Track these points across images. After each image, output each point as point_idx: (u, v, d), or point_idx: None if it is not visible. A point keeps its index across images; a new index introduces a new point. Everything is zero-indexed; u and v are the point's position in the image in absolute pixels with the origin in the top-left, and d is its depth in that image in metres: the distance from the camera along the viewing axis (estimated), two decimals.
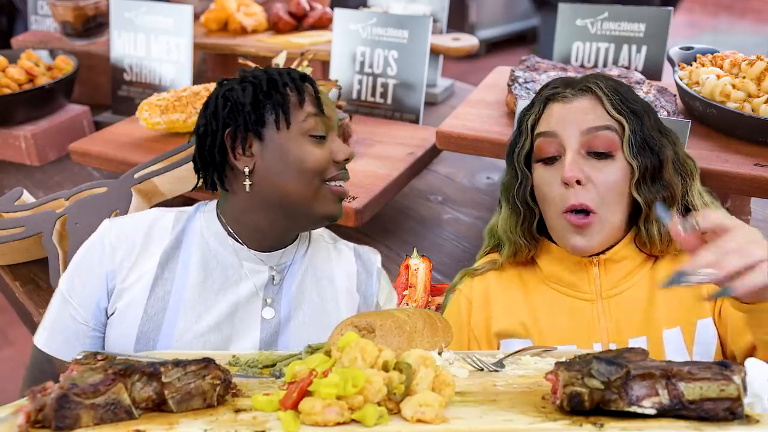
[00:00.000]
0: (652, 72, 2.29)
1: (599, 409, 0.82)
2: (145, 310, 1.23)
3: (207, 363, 0.86)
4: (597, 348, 1.27)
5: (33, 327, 1.74)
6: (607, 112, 1.26)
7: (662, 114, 1.79)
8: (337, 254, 1.39)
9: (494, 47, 6.16)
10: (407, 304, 1.72)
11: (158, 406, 0.84)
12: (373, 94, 2.48)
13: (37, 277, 1.93)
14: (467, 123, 2.05)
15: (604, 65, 2.35)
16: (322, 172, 1.25)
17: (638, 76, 2.05)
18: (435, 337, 1.08)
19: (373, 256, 1.42)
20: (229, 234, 1.30)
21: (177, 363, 0.85)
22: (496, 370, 1.03)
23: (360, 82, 2.49)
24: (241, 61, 2.46)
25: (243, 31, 2.98)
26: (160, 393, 0.83)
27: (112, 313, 1.25)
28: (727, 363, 0.82)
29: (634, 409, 0.81)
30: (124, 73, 2.79)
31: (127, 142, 2.34)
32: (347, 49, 2.51)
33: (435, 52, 2.75)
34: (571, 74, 2.04)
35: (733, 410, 0.80)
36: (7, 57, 2.70)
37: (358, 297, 1.35)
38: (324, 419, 0.78)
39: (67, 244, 1.78)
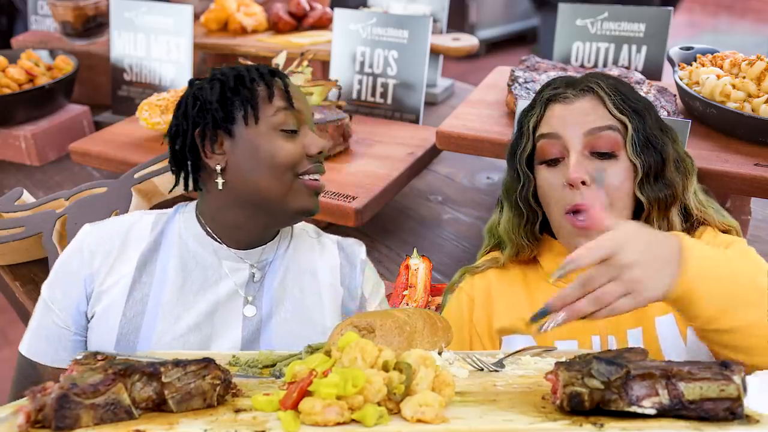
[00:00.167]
0: (652, 72, 2.29)
1: (599, 409, 0.82)
2: (124, 313, 1.23)
3: (207, 363, 0.86)
4: (595, 341, 1.27)
5: None
6: (609, 112, 1.26)
7: (662, 114, 1.79)
8: (321, 248, 1.38)
9: (494, 47, 6.16)
10: (407, 304, 1.72)
11: (158, 406, 0.84)
12: (373, 94, 2.48)
13: (37, 277, 1.93)
14: (467, 123, 2.05)
15: (604, 65, 2.35)
16: (294, 166, 1.24)
17: (638, 76, 2.05)
18: (435, 337, 1.08)
19: (357, 248, 1.41)
20: (208, 233, 1.30)
21: (177, 363, 0.85)
22: (496, 370, 1.03)
23: (360, 82, 2.49)
24: (241, 60, 2.46)
25: (243, 31, 2.98)
26: (160, 393, 0.83)
27: (92, 317, 1.25)
28: (727, 363, 0.82)
29: (634, 409, 0.81)
30: (124, 73, 2.79)
31: (127, 142, 2.34)
32: (347, 49, 2.51)
33: (435, 52, 2.76)
34: (571, 74, 2.04)
35: (733, 410, 0.80)
36: (7, 57, 2.70)
37: (342, 290, 1.35)
38: (324, 419, 0.78)
39: (66, 244, 1.78)
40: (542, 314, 0.99)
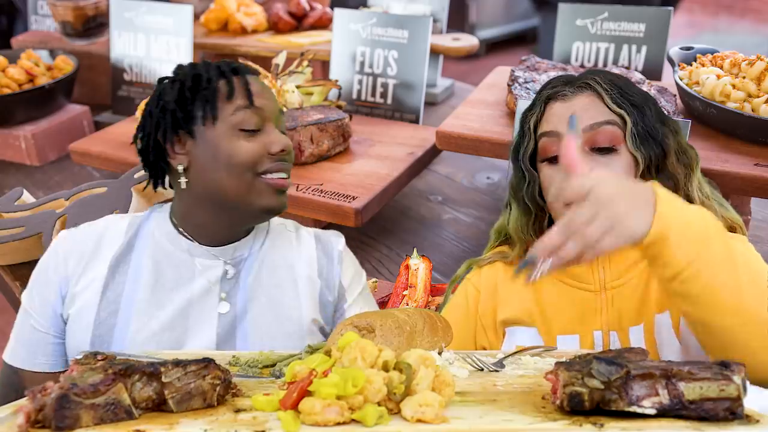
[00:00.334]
0: (652, 72, 2.29)
1: (599, 409, 0.82)
2: (98, 313, 1.24)
3: (207, 363, 0.86)
4: (597, 336, 1.28)
5: None
6: (608, 107, 1.27)
7: None
8: (298, 241, 1.38)
9: (494, 47, 6.16)
10: (407, 304, 1.72)
11: (158, 406, 0.84)
12: (373, 94, 2.48)
13: None
14: (467, 123, 2.05)
15: (604, 65, 2.35)
16: (253, 166, 1.23)
17: (638, 76, 2.05)
18: (435, 337, 1.08)
19: (334, 240, 1.40)
20: (180, 232, 1.31)
21: (177, 363, 0.85)
22: (496, 370, 1.03)
23: (360, 82, 2.49)
24: (241, 61, 2.46)
25: (243, 31, 2.98)
26: (160, 393, 0.83)
27: (67, 319, 1.27)
28: (727, 363, 0.82)
29: (634, 409, 0.81)
30: (124, 73, 2.79)
31: (127, 142, 2.33)
32: (347, 49, 2.51)
33: (435, 52, 2.76)
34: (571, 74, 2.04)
35: (733, 410, 0.80)
36: (7, 57, 2.71)
37: (320, 282, 1.34)
38: (324, 419, 0.78)
39: None
40: (527, 264, 1.00)
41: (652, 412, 0.81)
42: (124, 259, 1.29)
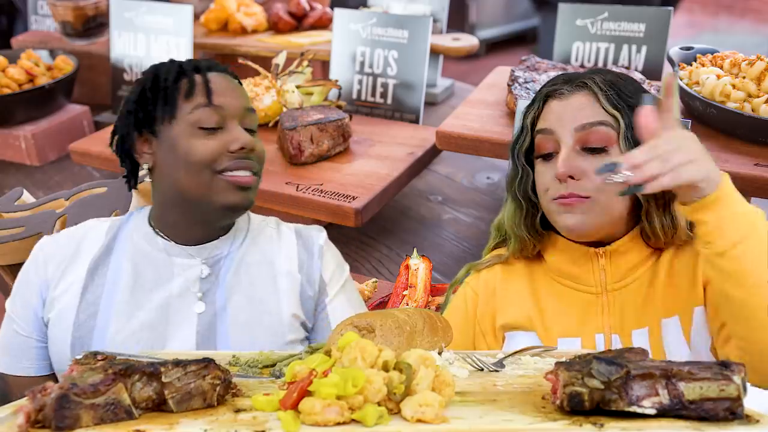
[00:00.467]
0: (652, 72, 2.28)
1: (599, 409, 0.82)
2: (77, 316, 1.26)
3: (207, 363, 0.86)
4: (599, 339, 1.27)
5: None
6: (603, 107, 1.27)
7: None
8: (279, 238, 1.38)
9: (494, 47, 6.15)
10: (407, 304, 1.72)
11: (158, 406, 0.84)
12: (373, 94, 2.48)
13: None
14: (467, 123, 2.05)
15: (604, 65, 2.35)
16: (211, 164, 1.24)
17: (638, 76, 2.05)
18: (435, 337, 1.08)
19: (315, 234, 1.40)
20: (157, 233, 1.32)
21: (177, 363, 0.85)
22: (496, 370, 1.03)
23: (360, 82, 2.49)
24: (241, 61, 2.46)
25: (243, 31, 2.98)
26: (160, 393, 0.83)
27: (48, 322, 1.28)
28: (727, 363, 0.82)
29: (634, 409, 0.81)
30: (124, 73, 2.79)
31: None
32: (347, 49, 2.51)
33: (435, 52, 2.75)
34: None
35: (733, 410, 0.80)
36: (7, 57, 2.70)
37: (300, 277, 1.34)
38: (324, 419, 0.78)
39: None
40: (609, 168, 1.07)
41: (652, 412, 0.81)
42: (103, 261, 1.30)
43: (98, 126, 2.74)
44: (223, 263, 1.31)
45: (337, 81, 2.41)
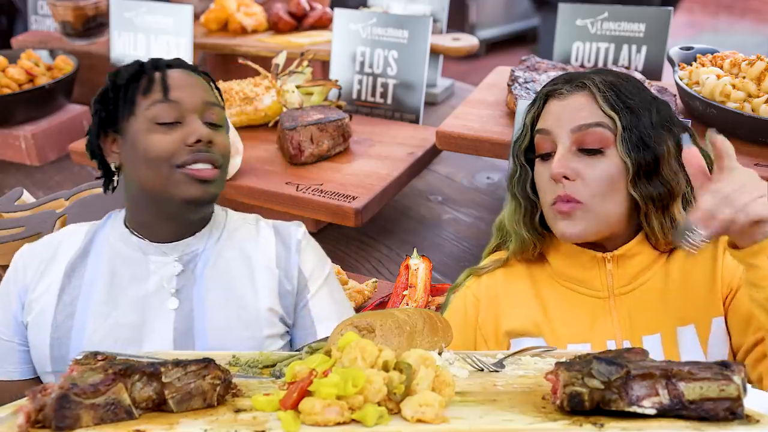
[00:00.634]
0: (652, 72, 2.28)
1: (599, 409, 0.82)
2: (54, 317, 1.27)
3: (207, 363, 0.86)
4: (611, 346, 1.26)
5: None
6: (600, 108, 1.26)
7: None
8: (257, 233, 1.38)
9: (494, 47, 6.15)
10: (407, 304, 1.72)
11: (158, 406, 0.84)
12: (373, 94, 2.48)
13: None
14: (467, 123, 2.05)
15: (604, 65, 2.35)
16: (169, 158, 1.25)
17: (638, 76, 2.05)
18: (435, 337, 1.08)
19: (293, 229, 1.40)
20: (132, 232, 1.33)
21: (177, 363, 0.85)
22: (496, 370, 1.03)
23: (360, 82, 2.49)
24: (241, 61, 2.46)
25: (243, 31, 2.98)
26: (160, 393, 0.83)
27: (27, 326, 1.30)
28: (727, 363, 0.82)
29: (634, 409, 0.81)
30: None
31: None
32: (347, 49, 2.51)
33: (435, 52, 2.75)
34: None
35: (733, 410, 0.80)
36: (7, 57, 2.70)
37: (278, 272, 1.34)
38: (324, 419, 0.78)
39: None
40: (686, 236, 1.06)
41: (652, 412, 0.81)
42: (80, 263, 1.31)
43: None
44: (199, 259, 1.32)
45: (337, 81, 2.41)
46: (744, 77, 1.89)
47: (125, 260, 1.31)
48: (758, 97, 1.82)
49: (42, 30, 3.31)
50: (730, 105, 1.83)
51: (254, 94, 2.34)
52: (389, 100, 2.45)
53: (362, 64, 2.48)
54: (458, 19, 5.64)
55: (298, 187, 2.00)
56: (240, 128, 2.25)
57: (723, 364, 0.82)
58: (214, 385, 0.86)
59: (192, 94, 1.29)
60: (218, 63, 3.09)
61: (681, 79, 1.99)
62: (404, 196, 2.46)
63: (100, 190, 1.83)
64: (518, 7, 6.37)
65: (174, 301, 1.29)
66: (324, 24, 2.98)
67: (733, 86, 1.87)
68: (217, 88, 1.39)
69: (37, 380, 1.32)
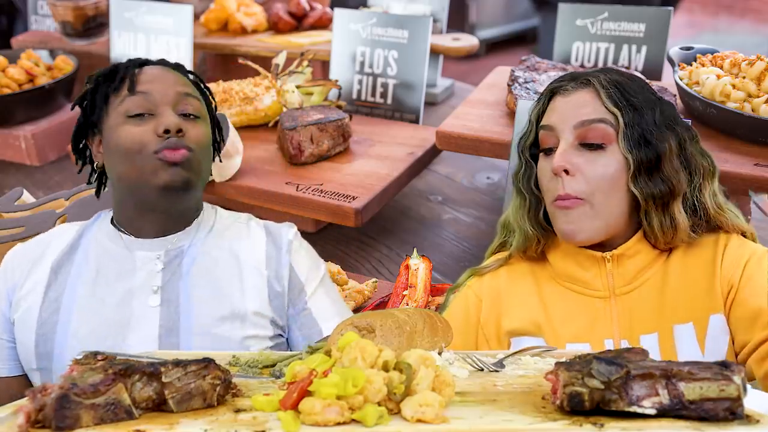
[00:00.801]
0: (652, 72, 2.28)
1: (599, 409, 0.82)
2: (40, 313, 1.29)
3: (207, 363, 0.86)
4: (608, 345, 1.27)
5: None
6: (604, 105, 1.27)
7: None
8: (248, 233, 1.38)
9: (494, 47, 6.15)
10: (407, 304, 1.72)
11: (158, 406, 0.84)
12: (373, 94, 2.48)
13: None
14: (467, 123, 2.05)
15: (604, 65, 2.35)
16: (141, 149, 1.26)
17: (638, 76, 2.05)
18: (435, 337, 1.08)
19: (284, 230, 1.40)
20: (118, 229, 1.34)
21: (177, 363, 0.85)
22: (496, 370, 1.03)
23: (360, 82, 2.49)
24: (241, 61, 2.46)
25: (243, 31, 2.98)
26: (160, 393, 0.83)
27: (14, 323, 1.31)
28: (727, 363, 0.82)
29: (634, 409, 0.81)
30: None
31: None
32: (347, 49, 2.51)
33: (435, 52, 2.75)
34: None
35: (733, 410, 0.80)
36: (7, 57, 2.70)
37: (267, 272, 1.34)
38: (324, 419, 0.78)
39: None
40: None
41: (652, 412, 0.81)
42: (67, 260, 1.33)
43: None
44: (185, 255, 1.32)
45: (337, 81, 2.41)
46: (744, 77, 1.89)
47: (111, 257, 1.32)
48: (758, 97, 1.82)
49: (42, 30, 3.31)
50: (730, 105, 1.83)
51: (254, 94, 2.34)
52: (389, 100, 2.45)
53: (362, 64, 2.48)
54: (458, 19, 5.64)
55: (298, 187, 2.00)
56: (240, 128, 2.25)
57: (723, 364, 0.82)
58: (214, 385, 0.86)
59: (163, 85, 1.31)
60: (218, 63, 3.09)
61: (681, 79, 1.99)
62: (404, 196, 2.46)
63: None
64: (518, 7, 6.37)
65: (159, 298, 1.29)
66: (324, 24, 2.98)
67: (733, 86, 1.87)
68: (202, 84, 1.41)
69: (25, 377, 1.33)
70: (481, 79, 2.39)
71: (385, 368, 0.84)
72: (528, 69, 2.16)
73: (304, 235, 1.46)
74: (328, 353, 0.89)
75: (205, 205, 1.41)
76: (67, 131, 2.69)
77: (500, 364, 1.05)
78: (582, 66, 2.35)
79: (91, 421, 0.79)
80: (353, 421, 0.79)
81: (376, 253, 2.23)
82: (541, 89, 1.67)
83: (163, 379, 0.83)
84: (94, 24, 3.02)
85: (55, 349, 1.26)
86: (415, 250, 1.81)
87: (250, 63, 2.42)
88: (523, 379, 0.99)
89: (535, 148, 1.35)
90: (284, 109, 2.29)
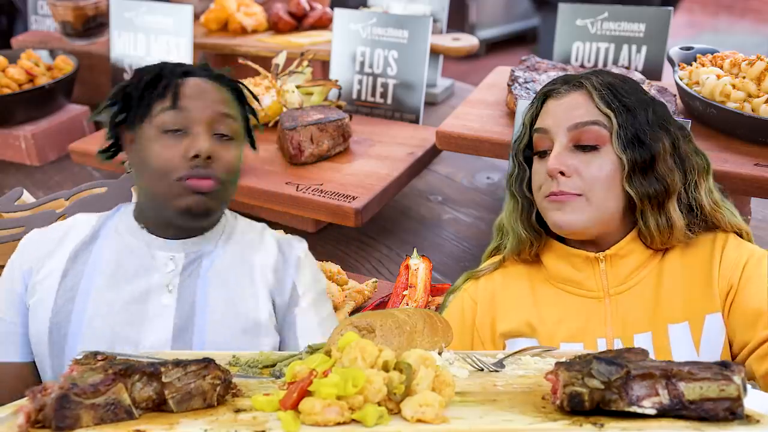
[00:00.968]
0: (652, 72, 2.29)
1: (599, 409, 0.82)
2: (55, 301, 1.28)
3: (207, 363, 0.86)
4: (601, 344, 1.27)
5: None
6: (596, 107, 1.27)
7: None
8: (261, 242, 1.39)
9: (494, 47, 6.15)
10: (407, 304, 1.72)
11: (158, 406, 0.84)
12: (373, 94, 2.48)
13: None
14: (467, 123, 2.05)
15: (604, 65, 2.35)
16: (168, 172, 1.25)
17: (638, 76, 2.05)
18: (435, 337, 1.08)
19: (296, 245, 1.41)
20: (141, 226, 1.34)
21: (177, 363, 0.85)
22: (496, 370, 1.03)
23: (360, 82, 2.49)
24: (241, 61, 2.46)
25: (243, 31, 2.98)
26: (160, 393, 0.83)
27: (29, 308, 1.31)
28: (727, 363, 0.82)
29: (634, 409, 0.81)
30: (124, 73, 2.79)
31: None
32: (347, 49, 2.51)
33: (435, 52, 2.75)
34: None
35: (733, 410, 0.80)
36: (7, 57, 2.70)
37: (273, 283, 1.35)
38: (324, 419, 0.78)
39: None
40: None
41: (652, 412, 0.81)
42: (86, 249, 1.33)
43: (98, 126, 2.73)
44: (203, 259, 1.33)
45: (337, 81, 2.41)
46: (744, 77, 1.89)
47: (131, 251, 1.32)
48: (758, 97, 1.82)
49: (42, 30, 3.31)
50: (730, 105, 1.83)
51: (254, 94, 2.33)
52: (389, 100, 2.45)
53: (362, 64, 2.48)
54: (458, 19, 5.64)
55: (298, 187, 2.00)
56: None
57: (723, 364, 0.82)
58: (214, 385, 0.86)
59: (203, 103, 1.28)
60: (218, 63, 3.09)
61: (681, 79, 1.99)
62: (404, 196, 2.46)
63: (100, 190, 1.84)
64: (518, 7, 6.37)
65: (175, 298, 1.29)
66: (324, 24, 2.98)
67: (733, 86, 1.87)
68: (243, 97, 1.38)
69: (34, 364, 1.33)
70: (481, 79, 2.39)
71: (385, 368, 0.84)
72: (528, 69, 2.16)
73: (304, 235, 1.46)
74: (328, 353, 0.89)
75: (226, 210, 1.41)
76: (67, 131, 2.69)
77: (500, 364, 1.05)
78: (582, 66, 2.35)
79: (91, 421, 0.79)
80: (353, 421, 0.79)
81: (376, 253, 2.23)
82: None
83: (163, 379, 0.83)
84: (94, 24, 3.02)
85: (69, 337, 1.26)
86: (415, 250, 1.81)
87: (250, 63, 2.42)
88: (523, 379, 0.99)
89: (529, 151, 1.36)
90: (284, 109, 2.29)
